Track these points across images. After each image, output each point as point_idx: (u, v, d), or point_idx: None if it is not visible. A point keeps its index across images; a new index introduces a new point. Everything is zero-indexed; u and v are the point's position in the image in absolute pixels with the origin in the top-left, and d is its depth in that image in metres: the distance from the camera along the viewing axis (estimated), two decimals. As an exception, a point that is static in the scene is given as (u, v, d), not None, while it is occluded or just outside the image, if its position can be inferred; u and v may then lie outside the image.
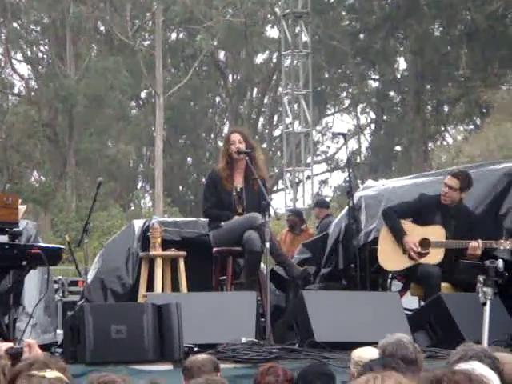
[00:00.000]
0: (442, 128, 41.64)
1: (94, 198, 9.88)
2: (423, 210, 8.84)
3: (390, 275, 9.25)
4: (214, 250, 8.83)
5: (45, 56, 40.88)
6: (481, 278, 6.64)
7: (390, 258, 8.86)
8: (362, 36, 40.45)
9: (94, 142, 36.26)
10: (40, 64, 40.87)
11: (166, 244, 9.35)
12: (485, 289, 6.63)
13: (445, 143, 39.44)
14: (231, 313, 7.82)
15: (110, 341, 7.01)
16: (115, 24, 36.60)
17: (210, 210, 8.85)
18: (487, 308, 6.68)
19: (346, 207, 9.68)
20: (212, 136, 43.54)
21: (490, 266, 6.70)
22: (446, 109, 40.97)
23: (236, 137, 8.83)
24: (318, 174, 40.56)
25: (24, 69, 41.77)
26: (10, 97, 38.73)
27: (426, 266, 8.64)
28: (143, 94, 41.56)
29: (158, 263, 8.99)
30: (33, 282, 8.68)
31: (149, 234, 9.30)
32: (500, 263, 6.79)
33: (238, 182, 8.81)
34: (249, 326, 7.72)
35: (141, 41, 38.63)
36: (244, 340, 7.49)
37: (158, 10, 34.48)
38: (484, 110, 36.60)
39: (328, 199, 41.05)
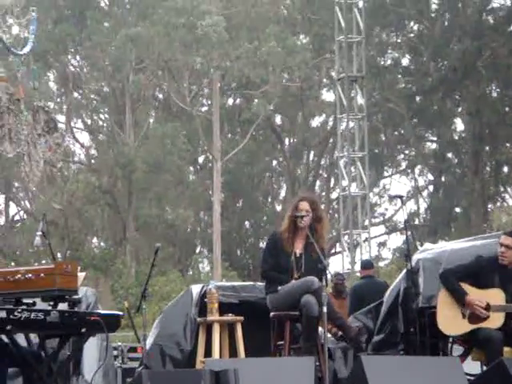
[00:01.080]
0: (502, 189, 41.34)
1: (152, 264, 9.94)
2: (481, 272, 8.77)
3: (451, 339, 9.13)
4: (272, 314, 8.81)
5: (104, 124, 41.47)
6: None
7: (450, 322, 8.77)
8: (418, 98, 40.50)
9: (153, 208, 36.52)
10: (100, 132, 41.47)
11: (223, 308, 9.36)
12: None
13: (505, 204, 39.12)
14: (289, 378, 7.77)
15: (169, 408, 7.00)
16: (173, 91, 37.04)
17: (269, 272, 8.85)
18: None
19: (404, 270, 9.63)
20: (269, 199, 43.64)
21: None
22: (505, 169, 40.72)
23: (304, 206, 8.85)
24: (375, 237, 40.39)
25: (85, 137, 42.41)
26: (71, 165, 39.29)
27: (487, 329, 8.54)
28: (201, 159, 41.91)
29: (216, 328, 8.99)
30: (92, 349, 8.71)
31: (206, 299, 9.31)
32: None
33: (298, 248, 8.83)
34: (307, 392, 7.67)
35: (198, 107, 39.05)
36: (302, 406, 7.45)
37: (215, 76, 34.86)
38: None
39: (387, 262, 40.88)
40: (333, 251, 38.59)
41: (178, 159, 36.45)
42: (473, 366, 8.82)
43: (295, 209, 8.88)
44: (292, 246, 8.79)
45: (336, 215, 39.81)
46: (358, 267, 24.95)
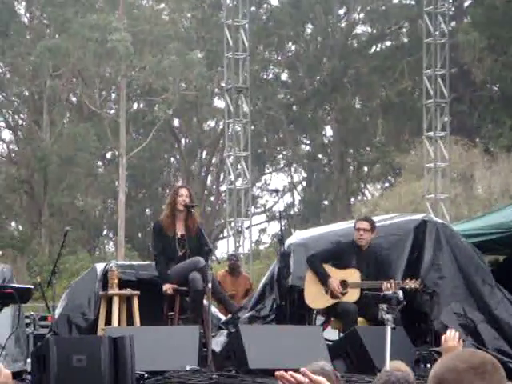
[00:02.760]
0: (362, 185, 41.99)
1: (62, 245, 9.81)
2: (341, 254, 8.89)
3: (315, 312, 9.24)
4: (170, 291, 8.75)
5: (24, 123, 40.64)
6: (384, 306, 6.69)
7: (315, 298, 8.87)
8: (294, 107, 40.82)
9: (66, 196, 36.03)
10: (20, 130, 40.62)
11: (123, 283, 9.26)
12: (386, 315, 6.66)
13: (365, 198, 39.75)
14: (177, 344, 7.74)
15: (72, 369, 6.89)
16: (85, 95, 36.52)
17: (158, 258, 8.81)
18: (388, 332, 6.68)
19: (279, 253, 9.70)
20: (167, 191, 43.40)
21: (392, 296, 6.75)
22: (365, 169, 41.37)
23: (184, 191, 8.82)
24: (257, 224, 40.56)
25: (6, 134, 41.54)
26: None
27: (345, 303, 8.66)
28: (108, 155, 41.42)
29: (115, 301, 8.89)
30: (6, 318, 8.52)
31: (108, 276, 9.21)
32: (400, 293, 6.86)
33: (179, 230, 8.77)
34: (192, 356, 7.65)
35: (107, 110, 38.61)
36: (188, 367, 7.43)
37: (122, 83, 34.52)
38: (397, 171, 37.01)
39: (267, 245, 41.10)
40: (220, 236, 38.63)
41: (88, 155, 36.01)
42: (332, 334, 8.94)
43: (176, 193, 8.83)
44: (174, 229, 8.74)
45: (224, 205, 39.85)
46: (241, 250, 25.05)
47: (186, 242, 8.70)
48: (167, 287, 8.57)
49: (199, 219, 8.93)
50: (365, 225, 8.85)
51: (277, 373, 2.66)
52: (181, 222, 8.75)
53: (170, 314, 8.77)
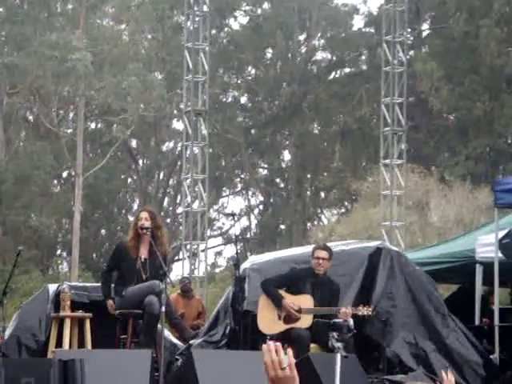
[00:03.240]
0: (319, 210, 42.16)
1: (14, 264, 9.68)
2: (295, 281, 8.90)
3: (268, 337, 9.22)
4: (117, 312, 8.70)
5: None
6: (334, 334, 6.71)
7: (268, 323, 8.86)
8: (253, 131, 40.95)
9: (20, 215, 35.67)
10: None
11: (75, 306, 9.18)
12: (337, 343, 6.68)
13: (321, 223, 39.89)
14: (129, 368, 7.67)
15: (20, 392, 6.79)
16: (42, 114, 36.28)
17: (106, 274, 8.81)
18: (338, 360, 6.69)
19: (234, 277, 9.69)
20: (123, 212, 43.19)
21: (343, 324, 6.78)
22: (322, 194, 41.56)
23: (144, 215, 8.80)
24: (213, 247, 40.50)
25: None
26: None
27: (298, 329, 8.66)
28: (64, 174, 41.13)
29: (67, 323, 8.81)
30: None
31: (60, 297, 9.12)
32: (351, 321, 6.89)
33: (143, 253, 8.74)
34: (144, 380, 7.58)
35: (64, 129, 38.38)
36: (139, 392, 7.36)
37: (81, 103, 34.36)
38: (353, 197, 37.24)
39: (222, 268, 41.06)
40: (176, 258, 38.47)
41: (44, 173, 35.72)
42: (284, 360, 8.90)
43: (137, 218, 8.82)
44: (137, 253, 8.72)
45: (180, 227, 39.74)
46: (197, 273, 24.96)
47: (147, 267, 8.67)
48: (110, 304, 8.54)
49: (165, 243, 8.87)
50: (323, 254, 8.87)
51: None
52: (145, 245, 8.72)
53: (122, 337, 8.71)
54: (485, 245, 11.35)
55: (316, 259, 8.83)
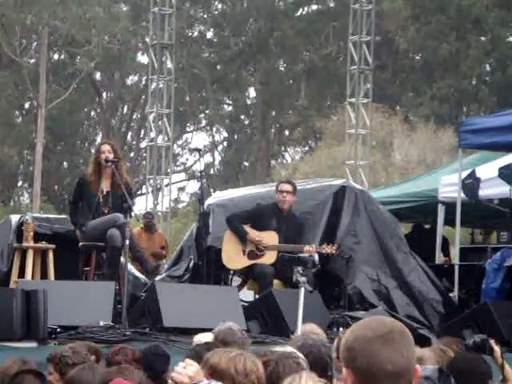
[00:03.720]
0: (283, 148, 42.15)
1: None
2: (260, 216, 8.90)
3: (232, 272, 9.27)
4: (80, 244, 8.66)
5: None
6: (299, 268, 6.75)
7: (232, 258, 8.89)
8: (218, 67, 40.61)
9: (-19, 145, 35.25)
10: None
11: (38, 237, 9.12)
12: (301, 278, 6.73)
13: (284, 161, 39.93)
14: (92, 299, 7.67)
15: (-17, 320, 6.77)
16: (5, 43, 35.62)
17: (72, 205, 8.79)
18: (302, 294, 6.74)
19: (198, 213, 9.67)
20: (86, 145, 42.85)
21: (308, 258, 6.82)
22: (286, 133, 41.51)
23: (106, 147, 8.71)
24: (176, 182, 40.41)
25: None
26: None
27: (262, 265, 8.69)
28: (27, 105, 40.58)
29: (30, 254, 8.76)
30: None
31: (23, 227, 9.06)
32: (316, 257, 6.93)
33: (105, 186, 8.66)
34: (107, 312, 7.59)
35: (27, 59, 37.75)
36: (102, 323, 7.37)
37: (44, 32, 33.77)
38: (317, 135, 37.25)
39: (185, 204, 41.03)
40: (139, 192, 38.35)
41: (5, 104, 35.21)
42: (248, 295, 8.98)
43: (98, 151, 8.73)
44: (99, 186, 8.64)
45: (144, 162, 39.53)
46: (160, 207, 24.92)
47: (110, 200, 8.61)
48: (78, 234, 8.54)
49: (127, 176, 8.82)
50: (287, 187, 8.87)
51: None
52: (107, 178, 8.65)
53: (85, 269, 8.69)
54: (448, 185, 11.44)
55: (280, 192, 8.83)
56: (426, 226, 12.70)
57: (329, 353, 4.21)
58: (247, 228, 8.87)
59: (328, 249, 8.51)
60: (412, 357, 2.30)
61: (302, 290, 6.69)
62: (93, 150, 41.48)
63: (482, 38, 33.84)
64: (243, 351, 3.39)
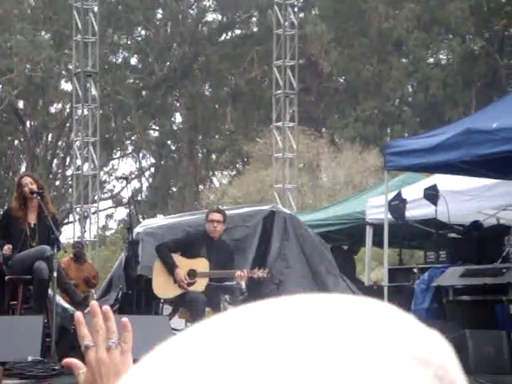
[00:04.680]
0: (211, 173, 42.19)
1: None
2: (190, 244, 8.86)
3: (162, 301, 9.19)
4: (7, 277, 8.51)
5: None
6: (226, 297, 6.73)
7: (163, 287, 8.82)
8: (144, 92, 40.52)
9: None
10: None
11: (-38, 272, 8.92)
12: (228, 306, 6.71)
13: (213, 186, 39.94)
14: (20, 334, 7.52)
15: None
16: None
17: None
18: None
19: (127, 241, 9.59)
20: (10, 174, 42.23)
21: (235, 286, 6.80)
22: (213, 157, 41.57)
23: (28, 179, 8.60)
24: (104, 209, 40.06)
25: None
26: None
27: (193, 293, 8.65)
28: (-51, 136, 39.88)
29: (-46, 290, 8.56)
30: None
31: None
32: (243, 284, 6.92)
33: (32, 219, 8.55)
34: (35, 346, 7.46)
35: None
36: (30, 358, 7.24)
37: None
38: (245, 159, 37.38)
39: (113, 231, 40.71)
40: (66, 221, 37.90)
41: None
42: (179, 323, 8.92)
43: (19, 185, 8.61)
44: (25, 220, 8.51)
45: (70, 190, 39.12)
46: (87, 236, 24.64)
47: (37, 232, 8.49)
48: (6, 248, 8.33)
49: (52, 206, 8.71)
50: (218, 216, 8.86)
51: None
52: (33, 211, 8.53)
53: (11, 303, 8.53)
54: (375, 207, 11.58)
55: (210, 222, 8.81)
56: (344, 247, 12.83)
57: None
58: (177, 256, 8.83)
59: (260, 273, 8.52)
60: None
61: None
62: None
63: (404, 60, 34.46)
64: None
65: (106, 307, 1.73)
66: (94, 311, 1.70)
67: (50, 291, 8.38)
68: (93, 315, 1.70)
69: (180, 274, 8.66)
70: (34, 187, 8.50)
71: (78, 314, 1.77)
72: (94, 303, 1.72)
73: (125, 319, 1.74)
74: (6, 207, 9.25)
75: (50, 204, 8.64)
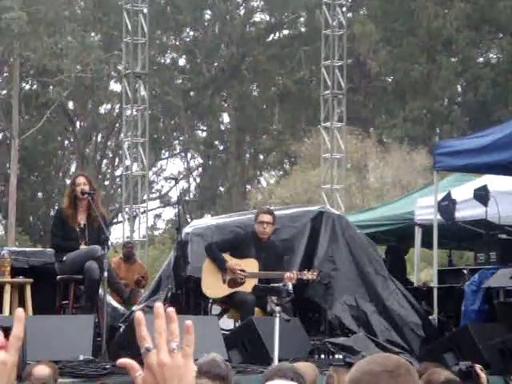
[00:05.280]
0: (258, 173, 42.21)
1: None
2: (239, 245, 8.89)
3: (211, 301, 9.24)
4: (58, 277, 8.62)
5: None
6: (273, 298, 6.74)
7: (212, 287, 8.86)
8: (192, 93, 40.69)
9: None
10: None
11: (15, 271, 9.05)
12: (276, 307, 6.72)
13: (260, 186, 39.97)
14: (71, 333, 7.61)
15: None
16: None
17: (58, 242, 8.68)
18: (277, 324, 6.72)
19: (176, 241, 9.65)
20: (60, 174, 42.70)
21: (281, 288, 6.80)
22: (261, 157, 41.60)
23: (81, 179, 8.70)
24: (152, 209, 40.30)
25: None
26: None
27: (242, 293, 8.67)
28: (0, 136, 40.42)
29: (7, 289, 8.69)
30: None
31: (-1, 262, 8.98)
32: (290, 286, 6.93)
33: (81, 219, 8.65)
34: (86, 345, 7.54)
35: (-1, 90, 37.69)
36: (81, 357, 7.32)
37: (16, 63, 33.72)
38: (292, 159, 37.35)
39: (161, 231, 40.93)
40: (115, 221, 38.23)
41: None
42: (228, 323, 8.95)
43: (73, 183, 8.72)
44: (75, 220, 8.61)
45: (119, 190, 39.42)
46: (136, 236, 24.83)
47: (86, 233, 8.59)
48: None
49: (102, 207, 8.81)
50: (268, 218, 8.86)
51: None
52: (83, 211, 8.63)
53: (63, 302, 8.63)
54: (424, 207, 11.51)
55: (260, 223, 8.82)
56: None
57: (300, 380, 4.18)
58: (226, 256, 8.86)
59: (309, 275, 8.51)
60: None
61: (277, 320, 6.67)
62: (67, 180, 41.40)
63: (453, 59, 34.16)
64: None
65: (171, 309, 1.69)
66: (157, 313, 1.67)
67: (100, 291, 8.48)
68: (156, 317, 1.66)
69: (232, 265, 8.70)
70: (87, 188, 8.60)
71: (139, 314, 1.71)
72: (158, 305, 1.68)
73: (189, 322, 1.71)
74: (56, 208, 9.38)
75: (99, 205, 8.74)
